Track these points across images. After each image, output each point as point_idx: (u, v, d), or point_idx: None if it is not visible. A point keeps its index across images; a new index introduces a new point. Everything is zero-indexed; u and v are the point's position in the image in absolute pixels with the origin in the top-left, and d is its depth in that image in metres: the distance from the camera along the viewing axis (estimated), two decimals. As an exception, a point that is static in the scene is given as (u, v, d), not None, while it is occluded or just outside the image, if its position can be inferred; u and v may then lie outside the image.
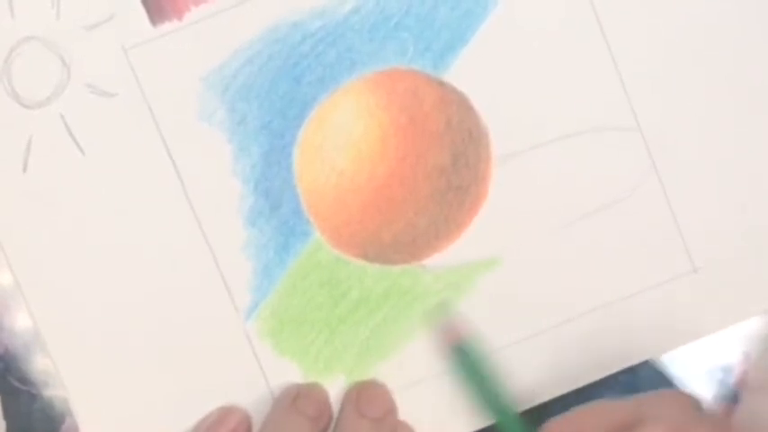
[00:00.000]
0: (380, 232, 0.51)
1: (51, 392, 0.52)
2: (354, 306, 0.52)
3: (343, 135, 0.51)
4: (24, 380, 0.52)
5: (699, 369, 0.54)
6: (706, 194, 0.52)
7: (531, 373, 0.52)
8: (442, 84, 0.51)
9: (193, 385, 0.51)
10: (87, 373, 0.51)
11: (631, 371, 0.52)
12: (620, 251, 0.52)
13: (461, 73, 0.51)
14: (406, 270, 0.52)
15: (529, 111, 0.51)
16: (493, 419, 0.50)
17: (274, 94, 0.51)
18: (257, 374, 0.52)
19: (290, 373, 0.52)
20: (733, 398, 0.54)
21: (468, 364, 0.51)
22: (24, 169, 0.51)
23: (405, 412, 0.52)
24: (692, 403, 0.48)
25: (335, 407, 0.52)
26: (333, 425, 0.51)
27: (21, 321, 0.52)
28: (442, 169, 0.51)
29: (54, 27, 0.50)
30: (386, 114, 0.51)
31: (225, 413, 0.51)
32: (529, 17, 0.51)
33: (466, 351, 0.51)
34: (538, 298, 0.52)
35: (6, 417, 0.52)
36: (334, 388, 0.52)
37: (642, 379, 0.52)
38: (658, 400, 0.48)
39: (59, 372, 0.51)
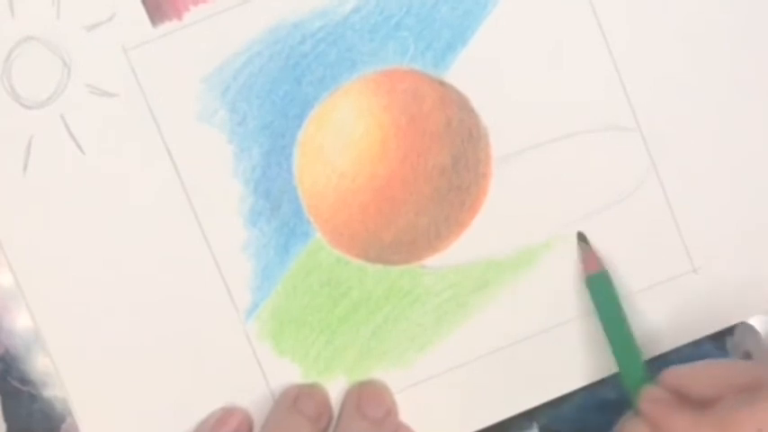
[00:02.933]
0: (381, 233, 0.51)
1: (51, 392, 0.52)
2: (355, 306, 0.52)
3: (343, 135, 0.51)
4: (24, 380, 0.52)
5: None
6: (706, 194, 0.52)
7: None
8: (442, 84, 0.51)
9: (194, 386, 0.51)
10: (87, 373, 0.51)
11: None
12: (620, 251, 0.52)
13: (461, 73, 0.51)
14: (406, 270, 0.52)
15: (529, 111, 0.51)
16: (617, 351, 0.51)
17: (275, 95, 0.51)
18: (257, 375, 0.52)
19: (291, 374, 0.52)
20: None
21: (605, 292, 0.51)
22: (24, 169, 0.51)
23: (405, 412, 0.52)
24: None
25: (335, 407, 0.52)
26: (333, 425, 0.51)
27: (21, 321, 0.52)
28: (442, 169, 0.51)
29: (54, 27, 0.50)
30: (386, 115, 0.50)
31: (226, 414, 0.51)
32: (529, 17, 0.51)
33: (603, 279, 0.51)
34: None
35: (6, 417, 0.52)
36: (335, 388, 0.52)
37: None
38: None
39: (59, 372, 0.51)
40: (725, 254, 0.52)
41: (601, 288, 0.51)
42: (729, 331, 0.53)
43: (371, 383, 0.52)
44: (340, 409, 0.51)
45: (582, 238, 0.51)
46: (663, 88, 0.52)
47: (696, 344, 0.53)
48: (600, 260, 0.51)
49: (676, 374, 0.49)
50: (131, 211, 0.51)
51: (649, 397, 0.49)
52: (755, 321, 0.53)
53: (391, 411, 0.51)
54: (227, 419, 0.51)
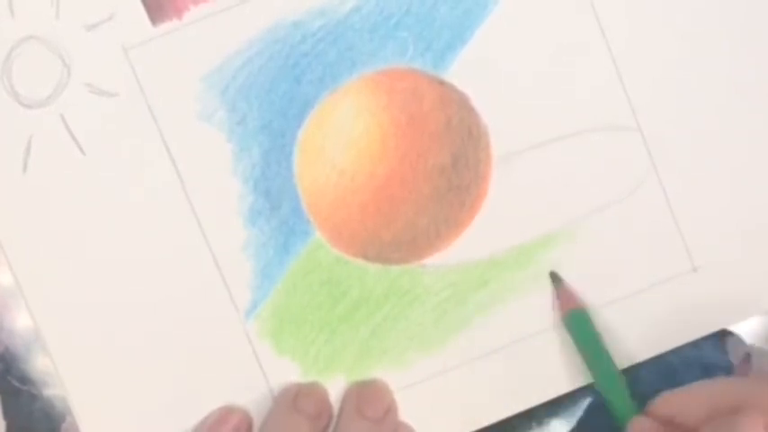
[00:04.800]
0: (380, 232, 0.51)
1: (51, 392, 0.52)
2: (354, 306, 0.52)
3: (343, 134, 0.51)
4: (24, 380, 0.52)
5: (699, 368, 0.54)
6: (706, 194, 0.52)
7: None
8: (442, 83, 0.51)
9: (194, 385, 0.51)
10: (87, 373, 0.51)
11: (631, 371, 0.52)
12: (619, 251, 0.52)
13: (461, 72, 0.51)
14: (406, 270, 0.52)
15: (529, 110, 0.51)
16: (601, 385, 0.50)
17: (274, 94, 0.51)
18: (257, 374, 0.52)
19: (290, 373, 0.52)
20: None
21: (584, 328, 0.51)
22: (24, 169, 0.51)
23: (405, 412, 0.52)
24: None
25: (335, 407, 0.52)
26: (333, 424, 0.51)
27: (21, 321, 0.52)
28: (442, 169, 0.51)
29: (54, 27, 0.50)
30: (386, 114, 0.51)
31: (226, 413, 0.51)
32: (529, 17, 0.51)
33: (581, 317, 0.51)
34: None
35: (6, 417, 0.52)
36: (335, 388, 0.52)
37: (643, 377, 0.52)
38: (761, 383, 0.48)
39: (59, 372, 0.51)
40: (725, 254, 0.52)
41: (579, 325, 0.51)
42: (729, 332, 0.53)
43: (371, 383, 0.52)
44: (340, 409, 0.51)
45: (555, 277, 0.51)
46: (663, 88, 0.52)
47: (696, 344, 0.53)
48: (576, 297, 0.51)
49: (664, 403, 0.49)
50: (131, 210, 0.51)
51: (638, 429, 0.49)
52: (755, 321, 0.53)
53: (391, 410, 0.51)
54: (227, 418, 0.51)
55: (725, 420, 0.46)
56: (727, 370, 0.53)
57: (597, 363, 0.51)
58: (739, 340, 0.53)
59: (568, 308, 0.51)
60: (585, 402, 0.53)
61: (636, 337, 0.52)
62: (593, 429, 0.53)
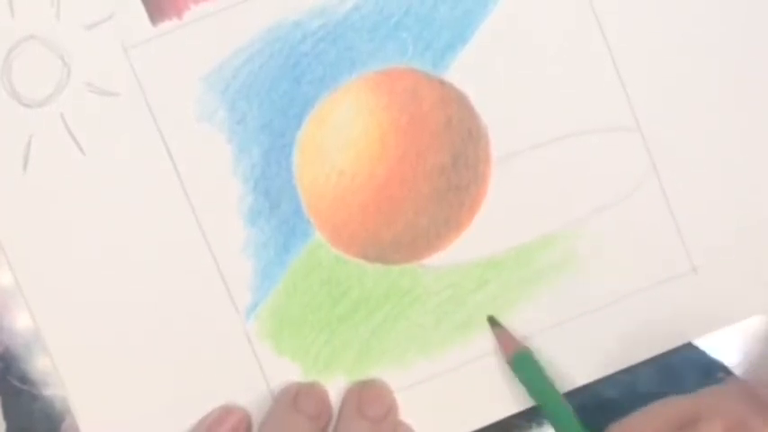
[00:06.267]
0: (380, 232, 0.51)
1: (51, 392, 0.52)
2: (354, 306, 0.52)
3: (343, 134, 0.51)
4: (24, 380, 0.52)
5: (699, 368, 0.54)
6: (706, 195, 0.52)
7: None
8: (441, 83, 0.51)
9: (193, 385, 0.51)
10: (87, 373, 0.51)
11: (631, 371, 0.52)
12: (619, 251, 0.52)
13: (461, 72, 0.51)
14: (406, 270, 0.52)
15: (529, 111, 0.51)
16: (555, 424, 0.50)
17: (274, 94, 0.51)
18: (257, 374, 0.52)
19: (290, 373, 0.52)
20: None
21: (530, 370, 0.51)
22: (24, 169, 0.51)
23: (405, 412, 0.52)
24: (751, 393, 0.48)
25: (335, 406, 0.52)
26: (333, 424, 0.51)
27: (21, 321, 0.52)
28: (442, 169, 0.51)
29: (54, 26, 0.50)
30: (386, 114, 0.51)
31: (225, 413, 0.51)
32: (529, 17, 0.51)
33: (526, 358, 0.51)
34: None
35: (6, 416, 0.52)
36: (335, 388, 0.52)
37: (643, 378, 0.52)
38: (716, 395, 0.48)
39: (59, 372, 0.51)
40: (725, 254, 0.52)
41: (525, 367, 0.51)
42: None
43: (371, 383, 0.52)
44: (340, 408, 0.51)
45: (494, 322, 0.51)
46: (663, 89, 0.52)
47: (693, 345, 0.53)
48: (516, 340, 0.51)
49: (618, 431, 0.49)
50: (130, 210, 0.51)
51: None
52: (755, 321, 0.53)
53: (391, 410, 0.51)
54: (225, 418, 0.51)
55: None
56: (728, 369, 0.53)
57: (548, 402, 0.51)
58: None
59: (511, 351, 0.51)
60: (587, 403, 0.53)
61: (636, 338, 0.52)
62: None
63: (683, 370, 0.53)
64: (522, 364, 0.51)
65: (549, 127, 0.52)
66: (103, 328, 0.51)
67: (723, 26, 0.51)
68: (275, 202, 0.51)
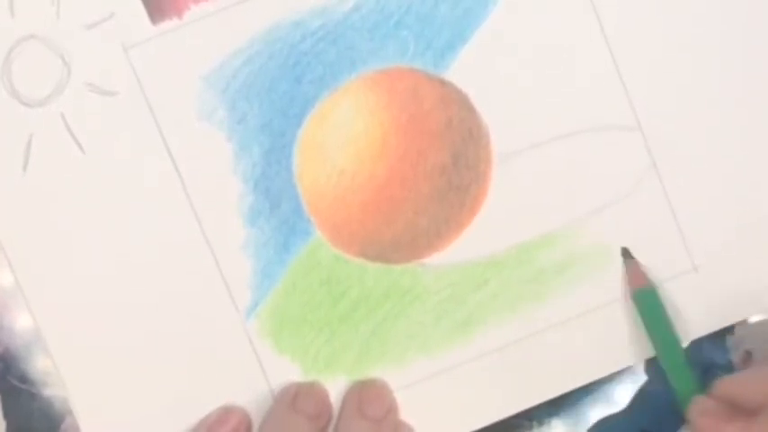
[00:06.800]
0: (381, 231, 0.51)
1: (51, 392, 0.52)
2: (355, 305, 0.52)
3: (343, 134, 0.51)
4: (24, 379, 0.52)
5: (699, 368, 0.54)
6: (706, 194, 0.52)
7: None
8: (442, 83, 0.51)
9: (194, 385, 0.51)
10: (87, 373, 0.51)
11: (631, 369, 0.52)
12: (620, 250, 0.52)
13: (462, 72, 0.51)
14: (406, 269, 0.52)
15: (529, 110, 0.51)
16: (668, 366, 0.51)
17: (275, 93, 0.51)
18: (257, 374, 0.52)
19: (291, 373, 0.52)
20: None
21: (652, 307, 0.51)
22: (24, 168, 0.51)
23: (405, 412, 0.52)
24: None
25: (335, 406, 0.52)
26: (333, 424, 0.51)
27: (21, 321, 0.52)
28: (442, 168, 0.51)
29: (54, 26, 0.50)
30: (386, 113, 0.51)
31: (225, 413, 0.51)
32: (529, 16, 0.51)
33: (650, 294, 0.51)
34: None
35: (6, 416, 0.52)
36: (335, 387, 0.52)
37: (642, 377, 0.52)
38: None
39: (59, 372, 0.51)
40: (725, 253, 0.52)
41: (648, 304, 0.51)
42: (729, 330, 0.53)
43: (372, 383, 0.52)
44: (340, 408, 0.51)
45: (627, 254, 0.51)
46: (663, 88, 0.52)
47: (696, 343, 0.53)
48: (647, 276, 0.51)
49: (727, 384, 0.49)
50: (131, 210, 0.51)
51: (700, 409, 0.49)
52: (755, 321, 0.53)
53: (391, 410, 0.51)
54: (226, 418, 0.51)
55: None
56: (728, 369, 0.53)
57: (664, 341, 0.51)
58: (740, 338, 0.53)
59: (638, 285, 0.51)
60: (587, 403, 0.53)
61: (636, 338, 0.52)
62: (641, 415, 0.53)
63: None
64: (645, 299, 0.51)
65: (550, 126, 0.52)
66: (103, 328, 0.51)
67: (723, 25, 0.52)
68: (275, 202, 0.51)
